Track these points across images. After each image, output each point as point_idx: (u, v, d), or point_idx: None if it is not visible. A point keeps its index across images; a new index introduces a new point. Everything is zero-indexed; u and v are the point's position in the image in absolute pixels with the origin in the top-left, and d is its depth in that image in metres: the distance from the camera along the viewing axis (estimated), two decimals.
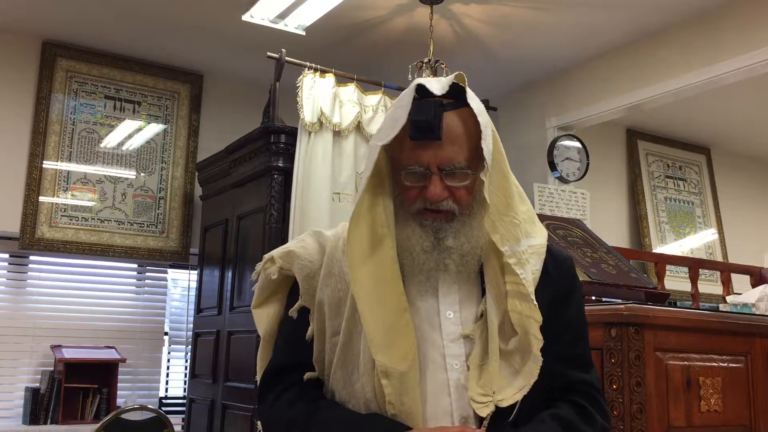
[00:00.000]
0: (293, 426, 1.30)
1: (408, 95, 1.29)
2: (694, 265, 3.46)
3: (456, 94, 1.30)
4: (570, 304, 1.38)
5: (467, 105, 1.29)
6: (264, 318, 1.45)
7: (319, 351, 1.36)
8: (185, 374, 5.10)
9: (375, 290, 1.27)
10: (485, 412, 1.24)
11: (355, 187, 3.88)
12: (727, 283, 3.54)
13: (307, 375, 1.35)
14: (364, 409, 1.28)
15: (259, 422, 1.42)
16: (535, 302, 1.26)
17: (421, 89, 1.29)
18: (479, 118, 1.27)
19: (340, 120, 3.97)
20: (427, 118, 1.24)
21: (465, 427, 1.24)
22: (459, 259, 1.30)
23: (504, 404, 1.24)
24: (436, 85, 1.29)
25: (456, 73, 1.32)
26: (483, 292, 1.32)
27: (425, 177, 1.28)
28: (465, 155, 1.28)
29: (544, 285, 1.33)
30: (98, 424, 3.53)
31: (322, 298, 1.35)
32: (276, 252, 1.43)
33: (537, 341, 1.25)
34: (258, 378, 1.44)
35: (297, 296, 1.39)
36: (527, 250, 1.31)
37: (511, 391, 1.25)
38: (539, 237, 1.37)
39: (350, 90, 4.09)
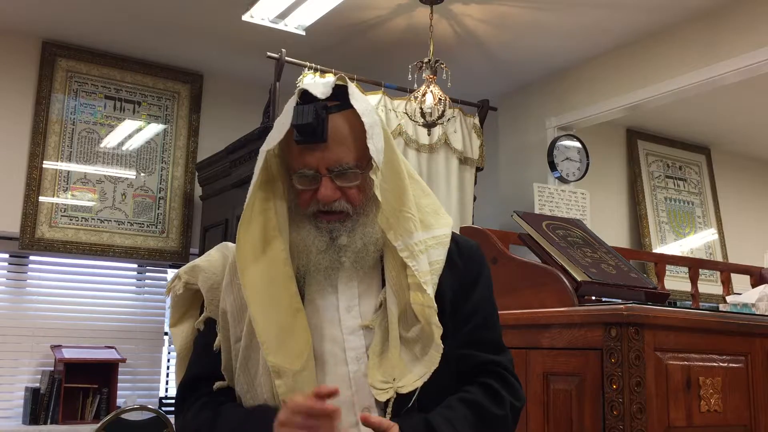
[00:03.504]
0: None
1: (293, 101, 1.32)
2: (694, 265, 3.46)
3: (341, 96, 1.31)
4: (476, 290, 1.40)
5: (352, 107, 1.30)
6: (179, 335, 1.47)
7: (226, 359, 1.37)
8: None
9: (266, 292, 1.28)
10: (384, 397, 1.25)
11: None
12: (727, 283, 3.54)
13: (216, 385, 1.37)
14: None
15: None
16: (429, 291, 1.28)
17: (305, 95, 1.31)
18: (363, 119, 1.29)
19: None
20: (309, 121, 1.26)
21: (367, 414, 1.23)
22: (353, 256, 1.32)
23: (404, 391, 1.26)
24: (321, 89, 1.31)
25: (338, 75, 1.36)
26: (383, 284, 1.34)
27: (316, 179, 1.30)
28: (353, 155, 1.30)
29: (450, 274, 1.36)
30: (98, 424, 3.53)
31: (225, 307, 1.37)
32: (182, 269, 1.47)
33: (438, 329, 1.27)
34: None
35: None
36: (426, 241, 1.34)
37: (412, 378, 1.27)
38: (443, 227, 1.39)
39: None
